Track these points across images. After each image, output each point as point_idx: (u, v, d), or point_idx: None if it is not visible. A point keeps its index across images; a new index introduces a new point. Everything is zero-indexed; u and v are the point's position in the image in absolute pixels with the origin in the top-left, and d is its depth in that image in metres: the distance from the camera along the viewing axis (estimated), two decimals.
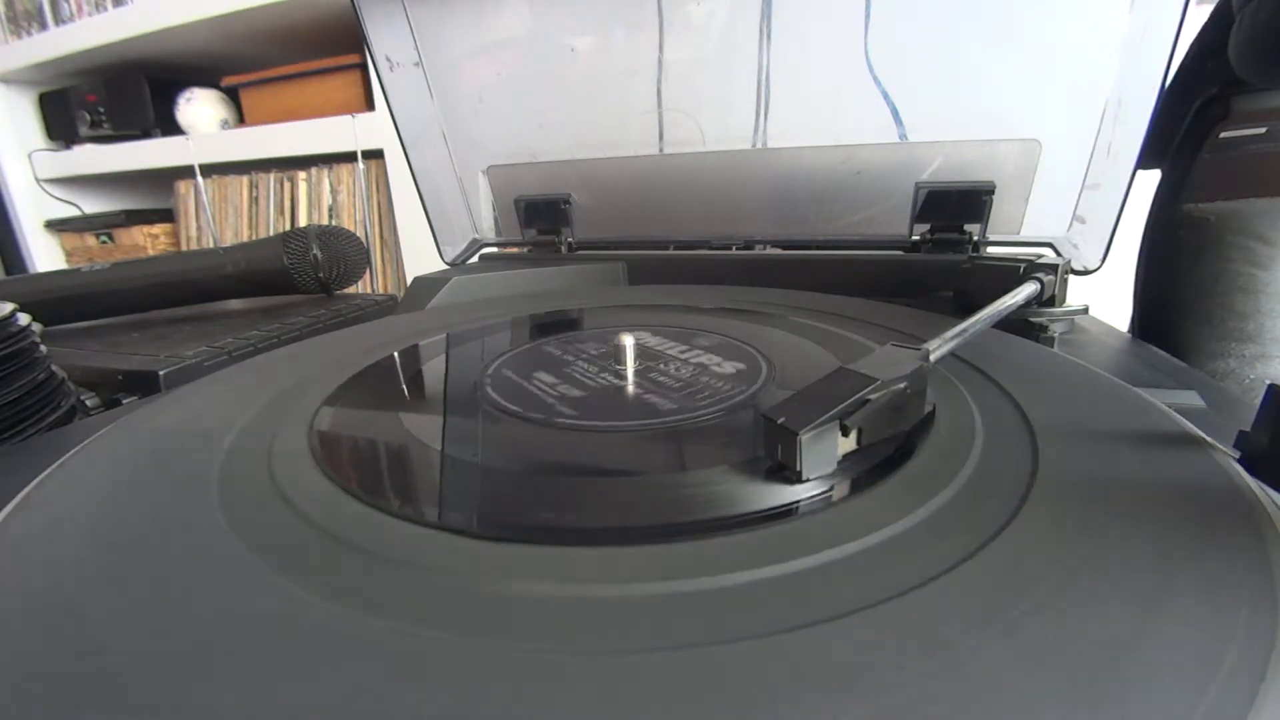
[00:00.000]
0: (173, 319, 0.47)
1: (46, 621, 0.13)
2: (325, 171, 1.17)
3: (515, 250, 0.59)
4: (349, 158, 1.09)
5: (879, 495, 0.16)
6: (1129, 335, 0.36)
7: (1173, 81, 0.36)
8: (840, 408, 0.17)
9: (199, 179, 1.20)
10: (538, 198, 0.56)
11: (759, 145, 0.49)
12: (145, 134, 1.34)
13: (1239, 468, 0.16)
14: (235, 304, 0.51)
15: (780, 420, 0.16)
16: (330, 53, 1.12)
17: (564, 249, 0.56)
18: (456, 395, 0.25)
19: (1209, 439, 0.18)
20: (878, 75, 0.44)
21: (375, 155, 1.09)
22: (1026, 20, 0.40)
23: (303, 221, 1.20)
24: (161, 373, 0.34)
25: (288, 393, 0.25)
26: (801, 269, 0.47)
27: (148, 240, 1.44)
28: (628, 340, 0.26)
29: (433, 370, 0.29)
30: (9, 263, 1.52)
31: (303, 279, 0.49)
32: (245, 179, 1.25)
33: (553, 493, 0.18)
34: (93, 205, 1.54)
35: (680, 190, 0.53)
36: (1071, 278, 0.38)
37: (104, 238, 1.47)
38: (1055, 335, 0.33)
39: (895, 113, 0.45)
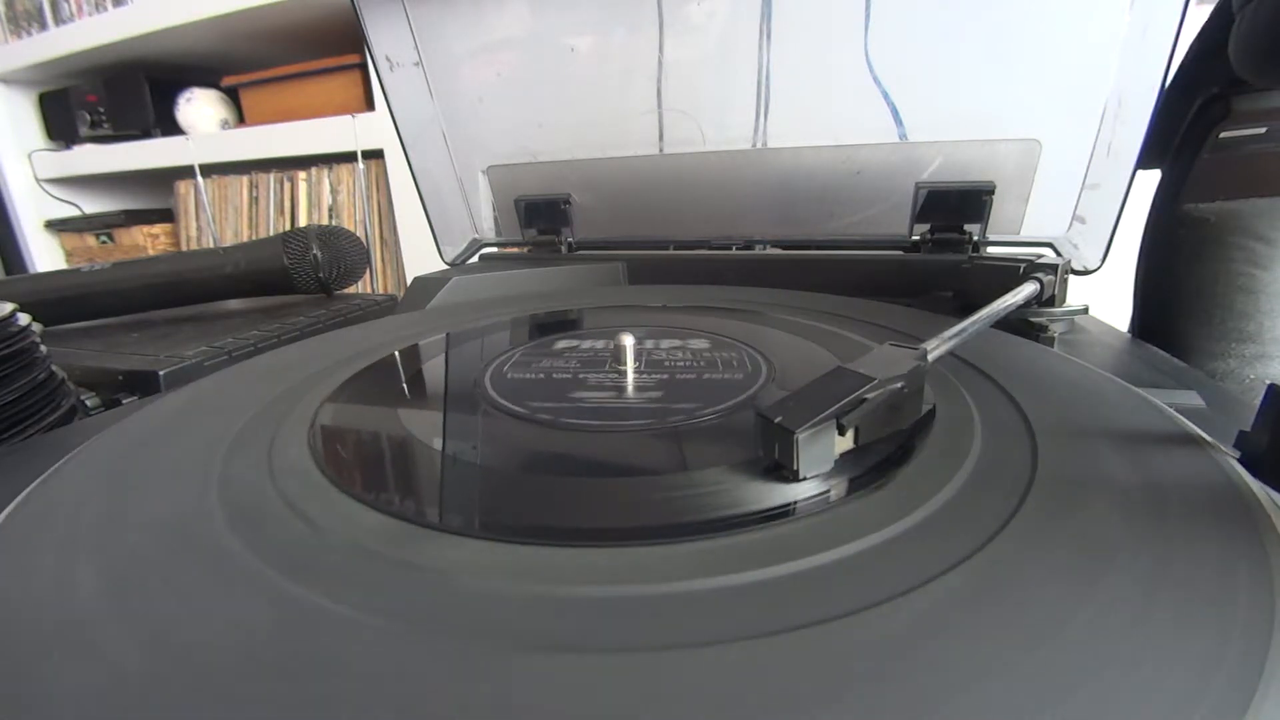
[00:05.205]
0: (173, 319, 0.47)
1: (48, 628, 0.13)
2: (325, 171, 1.17)
3: (515, 250, 0.59)
4: (349, 158, 1.09)
5: (878, 495, 0.16)
6: (1129, 335, 0.36)
7: (1173, 81, 0.36)
8: (837, 407, 0.17)
9: (199, 179, 1.20)
10: (538, 198, 0.56)
11: (759, 145, 0.49)
12: (145, 134, 1.34)
13: (1239, 468, 0.16)
14: (235, 304, 0.51)
15: (777, 419, 0.16)
16: (330, 53, 1.12)
17: (564, 249, 0.56)
18: (457, 395, 0.25)
19: (1209, 439, 0.18)
20: (878, 75, 0.44)
21: (375, 155, 1.09)
22: (1026, 20, 0.40)
23: (303, 221, 1.20)
24: (161, 373, 0.34)
25: (287, 393, 0.25)
26: (801, 269, 0.47)
27: (148, 240, 1.44)
28: (627, 341, 0.26)
29: (433, 370, 0.29)
30: (9, 263, 1.52)
31: (303, 279, 0.49)
32: (245, 179, 1.25)
33: (542, 493, 0.18)
34: (93, 205, 1.54)
35: (680, 190, 0.53)
36: (1071, 278, 0.38)
37: (104, 238, 1.47)
38: (1055, 335, 0.33)
39: (895, 113, 0.45)
